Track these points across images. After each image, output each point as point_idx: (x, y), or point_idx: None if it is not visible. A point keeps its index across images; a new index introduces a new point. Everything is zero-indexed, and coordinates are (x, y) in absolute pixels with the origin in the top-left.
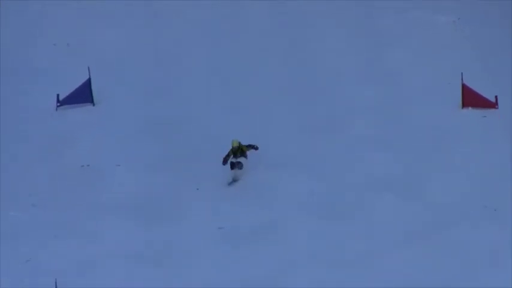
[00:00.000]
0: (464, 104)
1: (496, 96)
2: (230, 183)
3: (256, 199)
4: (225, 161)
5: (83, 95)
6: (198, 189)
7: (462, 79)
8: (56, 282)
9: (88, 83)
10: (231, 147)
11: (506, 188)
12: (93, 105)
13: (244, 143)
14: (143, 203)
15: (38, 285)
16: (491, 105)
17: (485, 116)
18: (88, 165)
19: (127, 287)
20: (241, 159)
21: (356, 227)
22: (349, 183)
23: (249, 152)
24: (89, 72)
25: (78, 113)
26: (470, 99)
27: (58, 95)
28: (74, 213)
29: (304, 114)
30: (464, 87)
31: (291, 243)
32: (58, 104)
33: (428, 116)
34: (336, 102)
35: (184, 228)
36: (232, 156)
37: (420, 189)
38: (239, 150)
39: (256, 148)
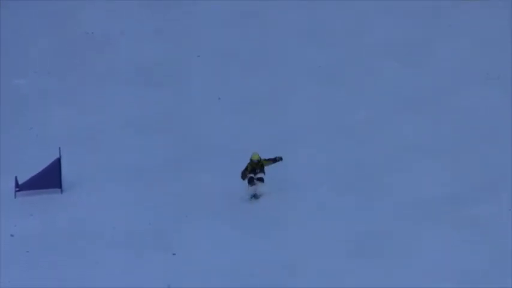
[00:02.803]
0: None
1: None
2: (252, 199)
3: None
4: (244, 176)
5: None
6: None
7: None
8: (59, 150)
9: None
10: (249, 161)
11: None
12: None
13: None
14: (145, 70)
15: (41, 153)
16: None
17: None
18: (92, 33)
19: (127, 153)
20: (261, 175)
21: (357, 93)
22: (351, 51)
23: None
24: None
25: None
26: None
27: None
28: (76, 81)
29: None
30: None
31: (295, 110)
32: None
33: None
34: None
35: (185, 94)
36: (250, 171)
37: (421, 55)
38: (259, 165)
39: (279, 159)
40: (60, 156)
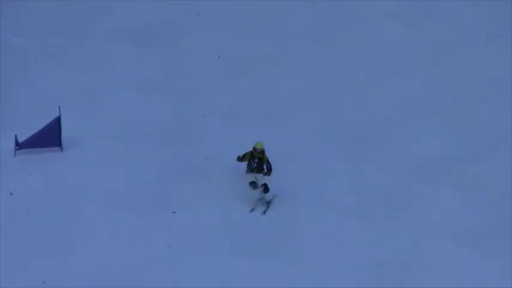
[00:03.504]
0: None
1: None
2: (258, 203)
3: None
4: (240, 159)
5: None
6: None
7: None
8: (59, 109)
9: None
10: (251, 149)
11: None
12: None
13: None
14: (146, 31)
15: (41, 110)
16: None
17: None
18: None
19: (128, 113)
20: (262, 178)
21: (357, 55)
22: (352, 12)
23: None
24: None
25: None
26: None
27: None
28: (78, 41)
29: None
30: None
31: (294, 71)
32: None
33: None
34: None
35: (186, 54)
36: (247, 159)
37: (421, 16)
38: (260, 156)
39: (268, 172)
40: (60, 115)
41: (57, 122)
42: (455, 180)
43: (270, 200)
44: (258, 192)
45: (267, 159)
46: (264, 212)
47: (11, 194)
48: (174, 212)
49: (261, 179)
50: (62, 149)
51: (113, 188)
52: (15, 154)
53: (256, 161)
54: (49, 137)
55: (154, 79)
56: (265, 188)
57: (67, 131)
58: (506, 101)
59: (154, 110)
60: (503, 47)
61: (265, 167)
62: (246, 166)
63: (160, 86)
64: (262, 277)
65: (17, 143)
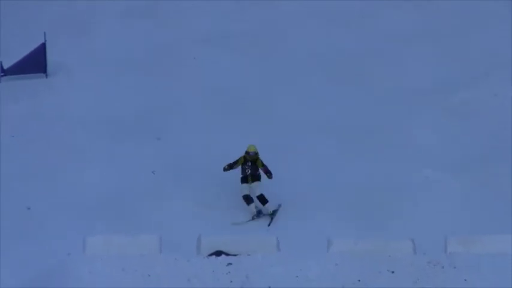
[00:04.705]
0: None
1: None
2: (254, 219)
3: None
4: (230, 167)
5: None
6: None
7: None
8: (44, 35)
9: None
10: (244, 154)
11: None
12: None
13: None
14: None
15: (26, 36)
16: None
17: None
18: None
19: (114, 40)
20: (258, 186)
21: None
22: None
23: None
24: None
25: None
26: None
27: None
28: None
29: None
30: None
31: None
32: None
33: None
34: None
35: None
36: (240, 166)
37: None
38: (254, 160)
39: (269, 175)
40: (45, 41)
41: (43, 48)
42: (446, 106)
43: (274, 211)
44: (254, 206)
45: (262, 162)
46: (269, 225)
47: None
48: (158, 138)
49: (256, 187)
50: (47, 75)
51: (99, 114)
52: (0, 81)
53: (250, 164)
54: (34, 63)
55: (140, 6)
56: (262, 199)
57: (52, 57)
58: (495, 26)
59: (141, 38)
60: None
61: (262, 171)
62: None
63: (146, 11)
64: None
65: (2, 70)
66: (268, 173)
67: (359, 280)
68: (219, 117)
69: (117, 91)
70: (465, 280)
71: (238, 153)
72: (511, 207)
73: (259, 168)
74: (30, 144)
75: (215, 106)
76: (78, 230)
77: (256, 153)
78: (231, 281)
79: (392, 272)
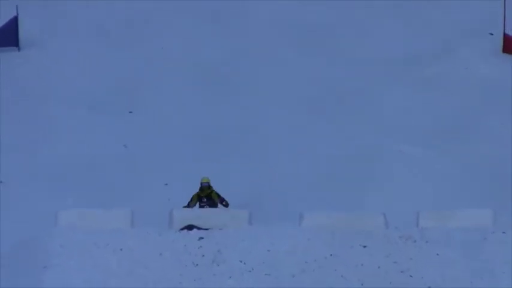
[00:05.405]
0: None
1: None
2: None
3: None
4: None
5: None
6: None
7: None
8: (17, 8)
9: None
10: (197, 191)
11: None
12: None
13: None
14: None
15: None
16: None
17: None
18: None
19: (88, 11)
20: None
21: None
22: None
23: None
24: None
25: None
26: None
27: None
28: None
29: None
30: None
31: None
32: None
33: None
34: None
35: None
36: (196, 201)
37: None
38: (208, 193)
39: (226, 204)
40: (17, 14)
41: (15, 21)
42: (417, 79)
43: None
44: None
45: (218, 194)
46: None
47: None
48: (130, 112)
49: None
50: (19, 49)
51: (71, 87)
52: None
53: (205, 200)
54: (6, 36)
55: None
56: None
57: (24, 30)
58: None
59: (116, 9)
60: None
61: (220, 202)
62: None
63: None
64: None
65: None
66: (224, 202)
67: (331, 254)
68: (190, 90)
69: (91, 64)
70: (437, 254)
71: (210, 126)
72: (482, 179)
73: (216, 200)
74: (2, 116)
75: (188, 79)
76: (50, 203)
77: (209, 185)
78: (203, 255)
79: (365, 247)
